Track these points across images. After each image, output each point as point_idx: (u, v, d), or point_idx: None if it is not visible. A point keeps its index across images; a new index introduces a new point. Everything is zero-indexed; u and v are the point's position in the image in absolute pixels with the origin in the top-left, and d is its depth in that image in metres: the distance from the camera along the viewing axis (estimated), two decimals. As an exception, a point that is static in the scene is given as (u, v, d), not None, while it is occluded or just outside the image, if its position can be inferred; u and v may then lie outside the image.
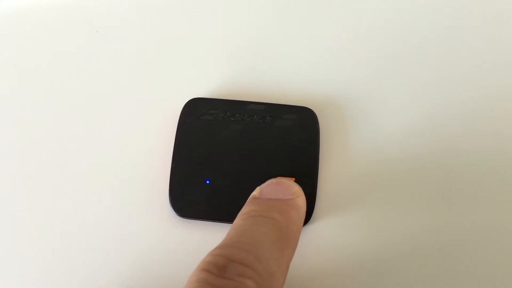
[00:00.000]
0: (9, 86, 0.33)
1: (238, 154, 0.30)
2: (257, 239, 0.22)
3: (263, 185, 0.25)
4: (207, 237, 0.28)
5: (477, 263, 0.29)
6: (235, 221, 0.24)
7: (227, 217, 0.28)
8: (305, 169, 0.30)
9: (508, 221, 0.29)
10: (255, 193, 0.25)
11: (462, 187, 0.30)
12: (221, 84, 0.33)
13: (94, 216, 0.29)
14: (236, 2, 0.35)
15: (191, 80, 0.33)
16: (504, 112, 0.32)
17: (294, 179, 0.27)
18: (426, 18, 0.35)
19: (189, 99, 0.31)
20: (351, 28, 0.34)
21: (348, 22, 0.35)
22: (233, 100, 0.31)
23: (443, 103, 0.32)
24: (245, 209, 0.24)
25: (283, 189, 0.25)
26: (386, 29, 0.34)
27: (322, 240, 0.29)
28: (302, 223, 0.24)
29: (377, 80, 0.33)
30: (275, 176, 0.27)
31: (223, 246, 0.22)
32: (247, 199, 0.25)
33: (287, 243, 0.23)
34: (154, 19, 0.35)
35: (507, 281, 0.28)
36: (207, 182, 0.29)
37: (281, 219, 0.23)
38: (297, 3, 0.35)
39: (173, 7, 0.35)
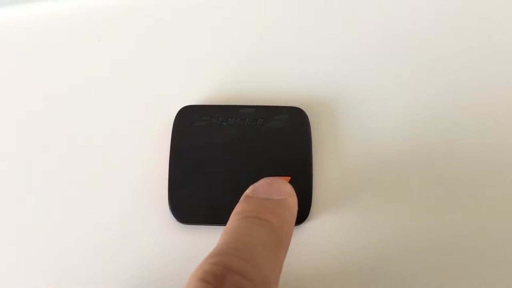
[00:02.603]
0: (11, 93, 0.34)
1: (233, 157, 0.30)
2: (253, 245, 0.23)
3: (256, 184, 0.26)
4: (208, 241, 0.28)
5: (474, 260, 0.29)
6: (229, 222, 0.24)
7: (227, 220, 0.28)
8: (299, 168, 0.30)
9: (503, 219, 0.30)
10: (248, 191, 0.26)
11: (457, 184, 0.30)
12: (211, 90, 0.33)
13: (95, 225, 0.30)
14: (223, 9, 0.36)
15: (182, 88, 0.33)
16: (499, 113, 0.32)
17: (289, 178, 0.28)
18: (417, 20, 0.35)
19: (181, 107, 0.32)
20: (340, 28, 0.35)
21: (338, 23, 0.35)
22: (225, 105, 0.32)
23: (435, 102, 0.33)
24: (238, 208, 0.25)
25: (275, 188, 0.25)
26: (376, 29, 0.35)
27: (318, 239, 0.29)
28: (294, 223, 0.25)
29: (366, 79, 0.33)
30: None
31: (220, 253, 0.22)
32: (243, 200, 0.26)
33: (281, 246, 0.23)
34: (148, 30, 0.35)
35: (506, 281, 0.29)
36: (205, 187, 0.30)
37: (274, 221, 0.24)
38: (285, 6, 0.36)
39: (164, 20, 0.36)
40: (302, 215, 0.29)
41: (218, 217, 0.29)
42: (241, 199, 0.25)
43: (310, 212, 0.29)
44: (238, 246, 0.22)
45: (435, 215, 0.30)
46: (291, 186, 0.26)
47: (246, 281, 0.21)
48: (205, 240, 0.29)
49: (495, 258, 0.29)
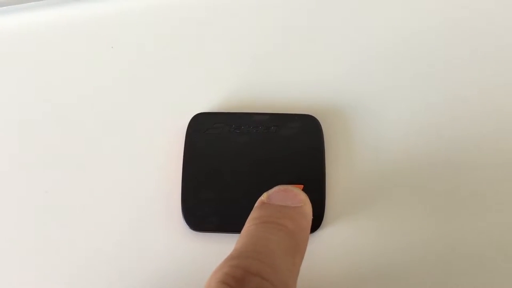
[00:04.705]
0: (24, 98, 0.34)
1: (246, 165, 0.31)
2: (272, 249, 0.23)
3: (270, 191, 0.26)
4: (221, 249, 0.28)
5: (490, 268, 0.29)
6: (246, 226, 0.24)
7: (240, 228, 0.28)
8: (312, 176, 0.30)
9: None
10: (262, 198, 0.26)
11: (469, 192, 0.30)
12: (224, 98, 0.33)
13: (107, 233, 0.30)
14: (236, 17, 0.36)
15: (195, 95, 0.33)
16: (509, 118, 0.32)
17: (302, 186, 0.28)
18: (430, 26, 0.35)
19: (194, 114, 0.32)
20: (352, 35, 0.35)
21: (350, 30, 0.35)
22: (237, 113, 0.32)
23: (449, 109, 0.33)
24: (255, 214, 0.25)
25: (291, 196, 0.25)
26: (388, 36, 0.35)
27: (332, 247, 0.29)
28: (309, 231, 0.25)
29: (379, 86, 0.33)
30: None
31: (239, 256, 0.22)
32: (257, 207, 0.26)
33: (298, 251, 0.24)
34: (161, 37, 0.35)
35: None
36: (218, 194, 0.30)
37: (292, 227, 0.24)
38: (298, 14, 0.36)
39: (177, 26, 0.36)
40: (316, 223, 0.29)
41: (231, 225, 0.29)
42: (256, 205, 0.26)
43: (323, 220, 0.29)
44: (257, 249, 0.23)
45: (451, 222, 0.30)
46: (306, 195, 0.26)
47: (267, 283, 0.21)
48: (218, 248, 0.29)
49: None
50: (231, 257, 0.22)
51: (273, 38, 0.35)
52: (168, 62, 0.35)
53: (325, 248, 0.29)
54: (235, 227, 0.29)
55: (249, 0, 0.36)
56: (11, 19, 0.36)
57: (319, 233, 0.29)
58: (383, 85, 0.33)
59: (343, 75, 0.34)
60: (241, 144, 0.31)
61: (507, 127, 0.32)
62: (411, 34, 0.35)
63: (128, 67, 0.34)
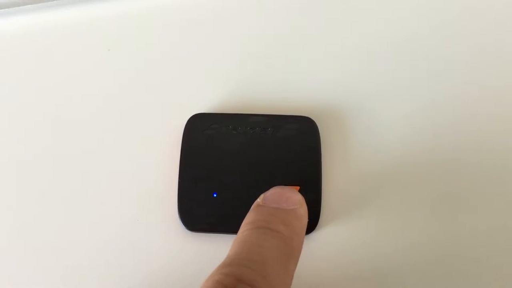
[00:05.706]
0: (21, 102, 0.34)
1: (243, 166, 0.31)
2: (265, 256, 0.23)
3: (266, 193, 0.26)
4: (217, 249, 0.28)
5: (486, 268, 0.29)
6: (240, 232, 0.24)
7: (236, 229, 0.28)
8: (308, 177, 0.30)
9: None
10: (258, 200, 0.26)
11: (465, 192, 0.30)
12: (221, 99, 0.33)
13: (103, 232, 0.30)
14: (233, 18, 0.36)
15: (192, 96, 0.33)
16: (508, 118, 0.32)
17: (299, 187, 0.28)
18: (426, 26, 0.35)
19: (191, 115, 0.32)
20: (349, 37, 0.35)
21: (347, 31, 0.35)
22: (235, 114, 0.32)
23: (446, 109, 0.33)
24: (250, 218, 0.25)
25: (286, 198, 0.25)
26: (385, 37, 0.35)
27: (327, 249, 0.29)
28: (304, 234, 0.25)
29: (375, 88, 0.33)
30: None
31: (231, 264, 0.22)
32: (253, 208, 0.26)
33: (292, 257, 0.24)
34: (158, 39, 0.36)
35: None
36: (214, 195, 0.30)
37: (286, 232, 0.24)
38: (294, 14, 0.36)
39: (174, 28, 0.36)
40: (311, 224, 0.29)
41: (227, 225, 0.29)
42: (251, 208, 0.26)
43: (319, 222, 0.29)
44: (249, 257, 0.22)
45: (447, 223, 0.30)
46: (302, 196, 0.26)
47: None
48: (214, 248, 0.29)
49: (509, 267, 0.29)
50: (223, 265, 0.22)
51: (270, 39, 0.35)
52: (165, 63, 0.35)
53: (321, 249, 0.29)
54: (231, 227, 0.29)
55: (245, 1, 0.36)
56: (9, 22, 0.36)
57: (315, 234, 0.29)
58: (379, 87, 0.33)
59: (340, 77, 0.34)
60: (238, 145, 0.31)
61: (506, 128, 0.32)
62: (407, 35, 0.35)
63: (125, 69, 0.35)
